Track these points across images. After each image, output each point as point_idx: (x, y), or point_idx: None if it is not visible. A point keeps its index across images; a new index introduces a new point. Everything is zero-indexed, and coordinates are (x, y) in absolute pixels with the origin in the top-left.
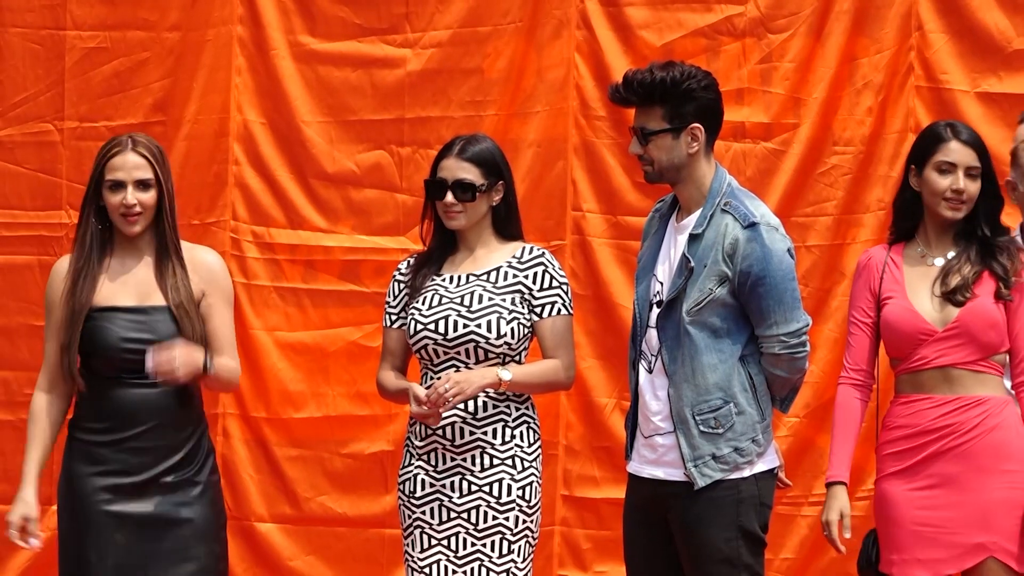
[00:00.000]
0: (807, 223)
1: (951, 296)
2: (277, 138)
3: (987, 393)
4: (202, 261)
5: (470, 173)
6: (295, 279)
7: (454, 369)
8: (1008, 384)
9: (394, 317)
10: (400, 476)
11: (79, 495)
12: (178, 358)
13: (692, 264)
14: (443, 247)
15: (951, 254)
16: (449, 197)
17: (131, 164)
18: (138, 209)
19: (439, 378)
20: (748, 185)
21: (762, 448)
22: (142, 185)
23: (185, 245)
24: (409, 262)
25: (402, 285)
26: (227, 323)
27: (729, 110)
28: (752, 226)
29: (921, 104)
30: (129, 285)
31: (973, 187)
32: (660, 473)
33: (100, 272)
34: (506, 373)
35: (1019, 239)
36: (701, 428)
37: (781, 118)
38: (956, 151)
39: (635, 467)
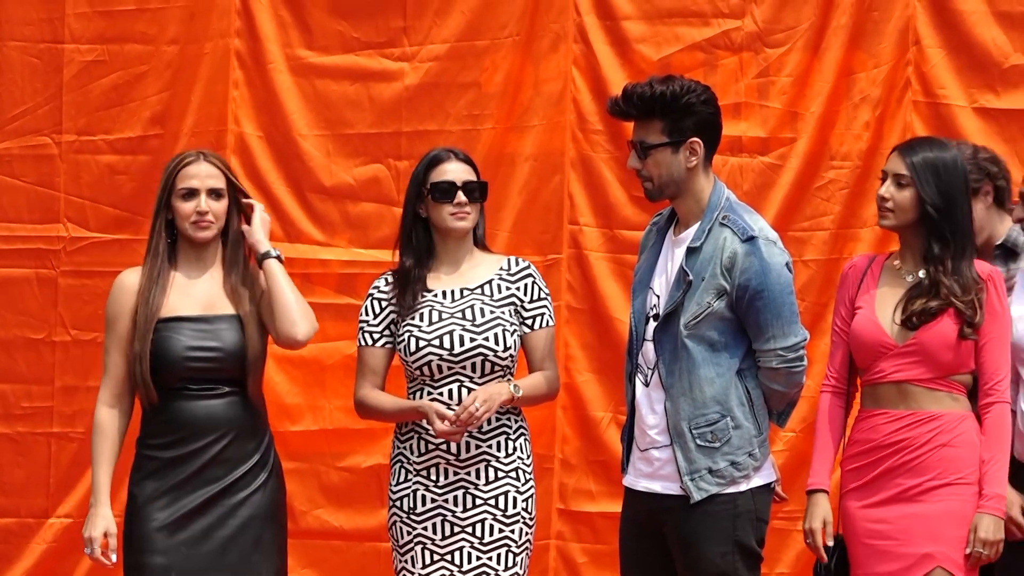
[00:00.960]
0: (804, 237)
1: (907, 321)
2: (274, 151)
3: (941, 409)
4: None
5: (473, 176)
6: None
7: (457, 384)
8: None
9: (376, 335)
10: (395, 492)
11: (146, 513)
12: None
13: (691, 277)
14: (421, 263)
15: (922, 273)
16: (461, 197)
17: (205, 172)
18: (211, 217)
19: (441, 393)
20: (745, 199)
21: (759, 462)
22: (214, 194)
23: None
24: (387, 279)
25: (384, 303)
26: None
27: (726, 124)
28: (751, 240)
29: (918, 119)
30: (194, 296)
31: (900, 196)
32: (656, 487)
33: (168, 282)
34: (518, 389)
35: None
36: (698, 442)
37: (778, 132)
38: (890, 159)
39: (631, 480)
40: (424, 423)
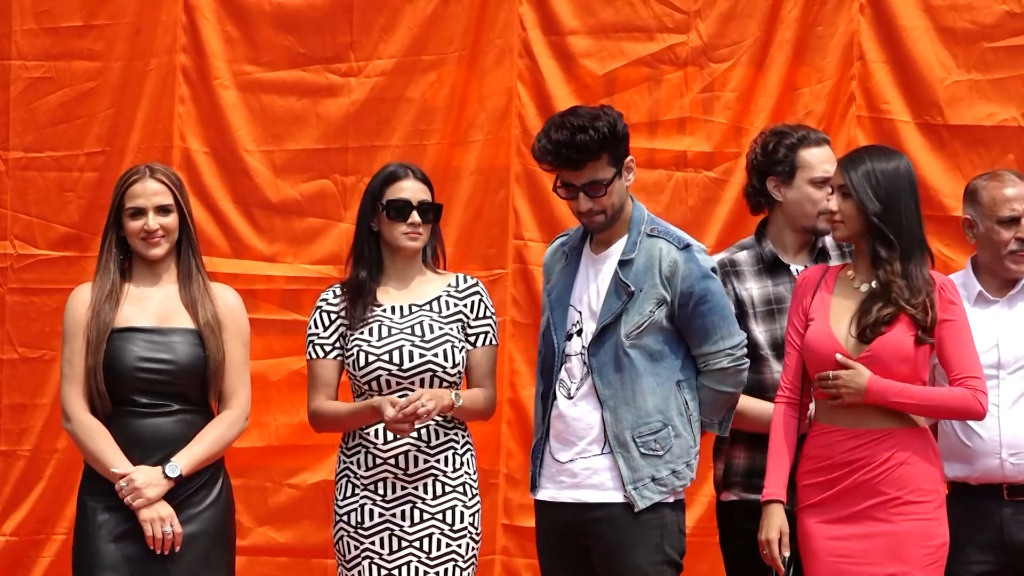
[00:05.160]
0: None
1: (861, 335)
2: (220, 167)
3: (896, 425)
4: (221, 297)
5: (428, 195)
6: None
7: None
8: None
9: (328, 348)
10: (341, 507)
11: (92, 527)
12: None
13: (632, 288)
14: (373, 276)
15: (875, 282)
16: (415, 217)
17: (151, 191)
18: (161, 232)
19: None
20: (690, 214)
21: (692, 475)
22: (162, 210)
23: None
24: (335, 291)
25: (333, 315)
26: (239, 361)
27: (671, 139)
28: (687, 247)
29: (863, 134)
30: (148, 308)
31: (845, 206)
32: (584, 496)
33: (122, 296)
34: (459, 398)
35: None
36: (642, 450)
37: (723, 147)
38: (834, 172)
39: (550, 494)
40: (371, 436)
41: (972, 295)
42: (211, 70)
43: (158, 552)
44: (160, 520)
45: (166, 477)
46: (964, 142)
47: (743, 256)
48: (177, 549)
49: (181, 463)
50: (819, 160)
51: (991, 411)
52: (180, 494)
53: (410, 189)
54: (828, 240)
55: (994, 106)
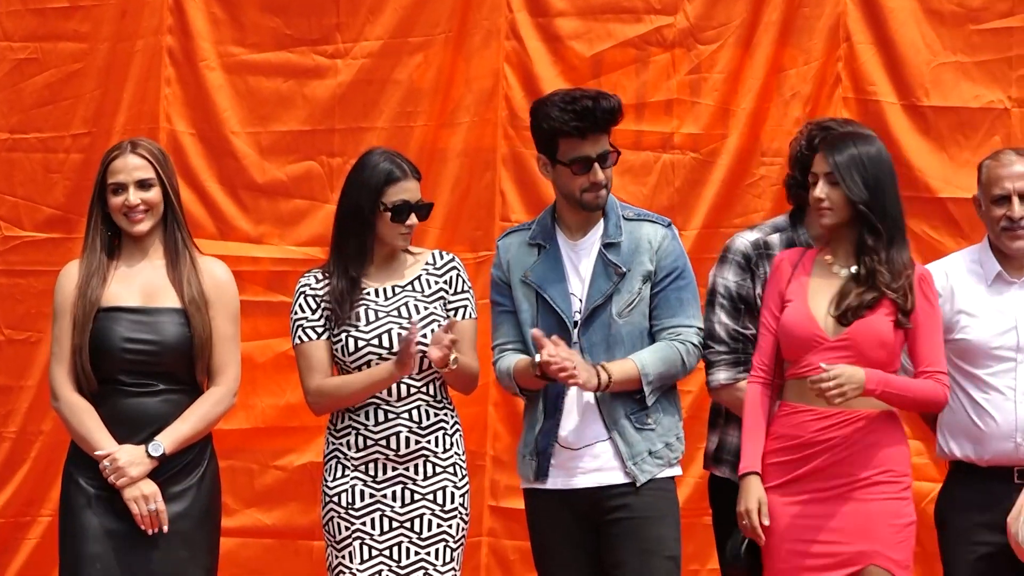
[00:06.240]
0: (735, 234)
1: (841, 317)
2: (206, 149)
3: (866, 407)
4: (209, 272)
5: (419, 192)
6: None
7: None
8: None
9: (320, 329)
10: (331, 488)
11: (78, 503)
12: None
13: (623, 269)
14: (363, 265)
15: (855, 268)
16: (414, 219)
17: (131, 166)
18: (143, 207)
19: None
20: (677, 196)
21: (682, 448)
22: (143, 185)
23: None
24: (316, 276)
25: (318, 299)
26: (226, 337)
27: (658, 121)
28: (669, 225)
29: (849, 115)
30: (135, 286)
31: (834, 193)
32: (604, 479)
33: (109, 273)
34: (455, 361)
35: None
36: (636, 426)
37: (710, 129)
38: (816, 160)
39: (563, 482)
40: (362, 418)
41: (990, 275)
42: (197, 51)
43: (146, 531)
44: (144, 498)
45: (149, 456)
46: (950, 124)
47: (776, 239)
48: (165, 527)
49: (164, 442)
50: None
51: (1007, 394)
52: (164, 473)
53: (410, 190)
54: None
55: (980, 88)
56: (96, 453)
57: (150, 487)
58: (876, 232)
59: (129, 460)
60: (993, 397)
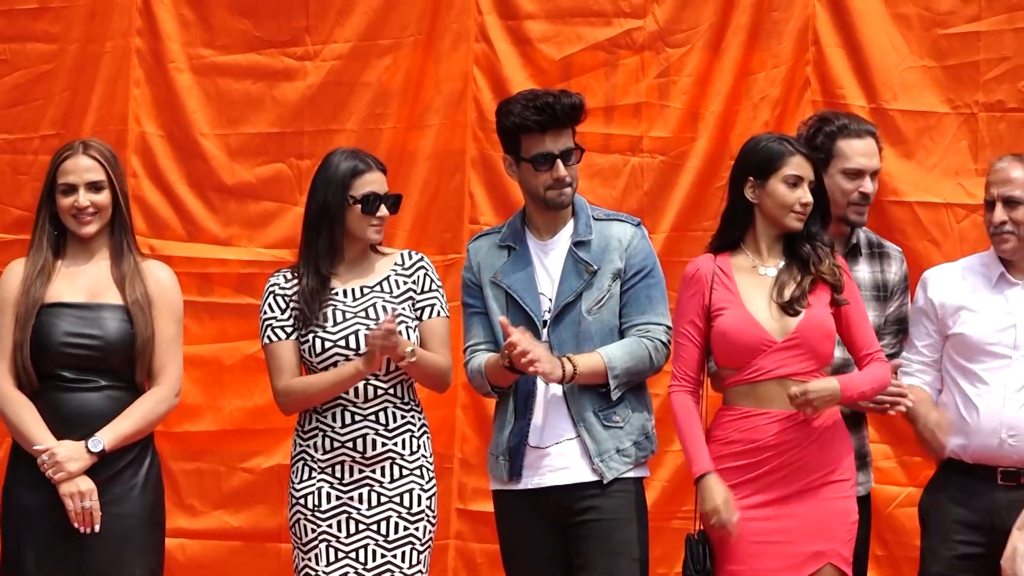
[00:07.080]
0: (704, 237)
1: (788, 307)
2: (175, 151)
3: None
4: (152, 274)
5: (387, 184)
6: (192, 292)
7: (363, 382)
8: None
9: (289, 329)
10: (298, 490)
11: (19, 505)
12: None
13: (595, 267)
14: (333, 264)
15: (781, 264)
16: (384, 211)
17: (82, 167)
18: (92, 210)
19: (347, 393)
20: (646, 200)
21: (653, 447)
22: (94, 187)
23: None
24: (286, 275)
25: (287, 298)
26: (168, 338)
27: (627, 124)
28: (639, 225)
29: None
30: (79, 283)
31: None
32: (572, 477)
33: (54, 272)
34: (413, 354)
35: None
36: (604, 423)
37: (679, 132)
38: (802, 165)
39: (535, 481)
40: (329, 420)
41: (994, 276)
42: (166, 53)
43: (80, 528)
44: (80, 494)
45: (89, 452)
46: (918, 128)
47: None
48: (96, 527)
49: (105, 438)
50: (855, 151)
51: (997, 391)
52: (105, 472)
53: (377, 182)
54: (862, 237)
55: (948, 92)
56: (34, 448)
57: (87, 484)
58: (824, 220)
59: (67, 455)
60: (983, 392)
